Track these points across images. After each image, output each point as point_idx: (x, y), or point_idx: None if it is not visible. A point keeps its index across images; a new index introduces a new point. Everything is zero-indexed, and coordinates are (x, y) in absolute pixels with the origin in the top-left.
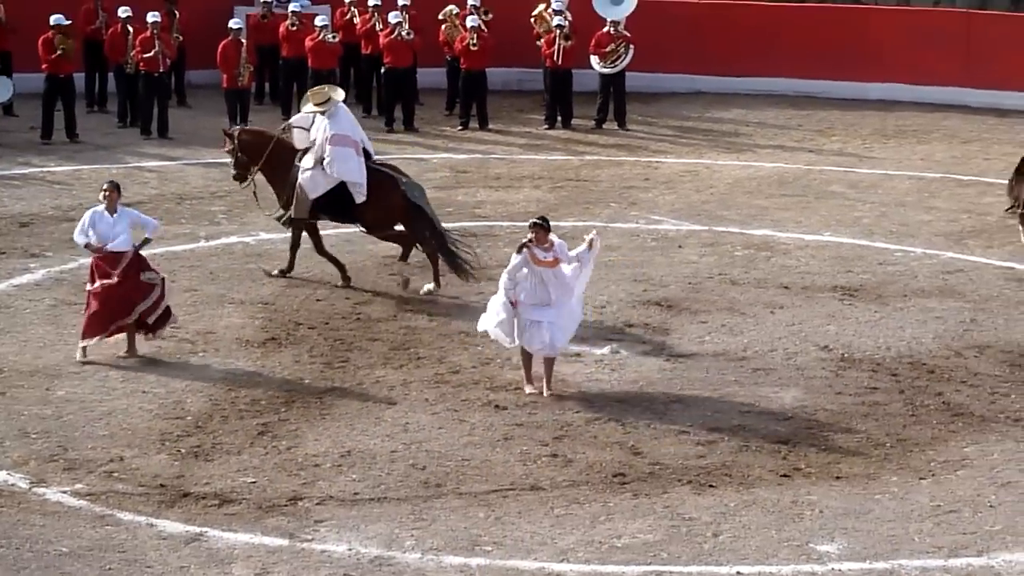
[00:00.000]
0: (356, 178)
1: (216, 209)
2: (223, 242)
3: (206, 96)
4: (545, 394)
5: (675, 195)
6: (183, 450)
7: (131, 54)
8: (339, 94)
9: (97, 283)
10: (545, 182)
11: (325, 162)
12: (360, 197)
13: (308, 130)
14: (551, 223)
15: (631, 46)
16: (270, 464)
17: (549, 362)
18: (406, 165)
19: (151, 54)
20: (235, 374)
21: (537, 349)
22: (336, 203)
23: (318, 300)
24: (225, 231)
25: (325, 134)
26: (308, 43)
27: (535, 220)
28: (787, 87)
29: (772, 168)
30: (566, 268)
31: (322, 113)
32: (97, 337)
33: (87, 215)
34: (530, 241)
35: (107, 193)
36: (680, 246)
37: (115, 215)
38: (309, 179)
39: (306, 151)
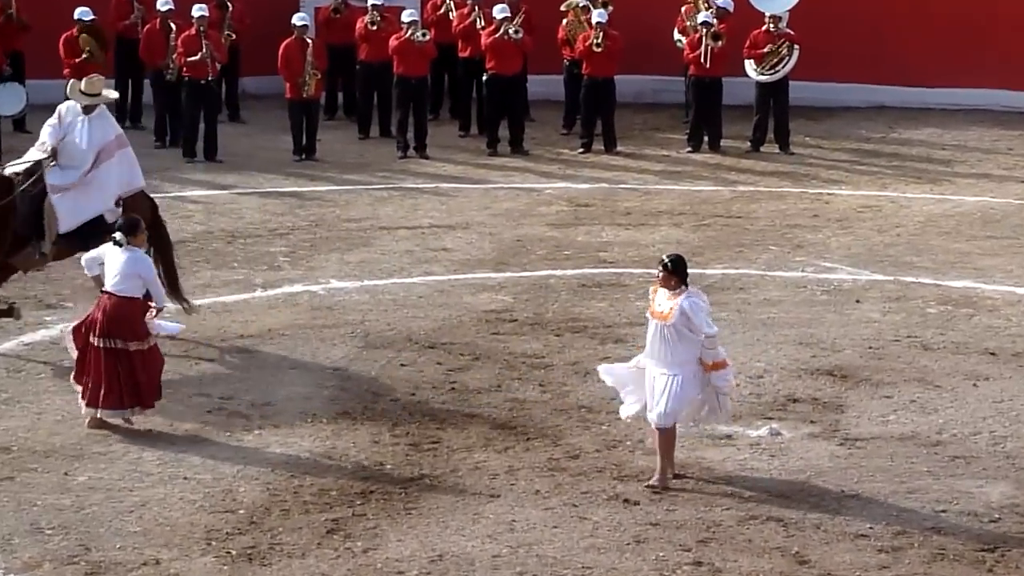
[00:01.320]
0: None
1: (277, 250)
2: (284, 291)
3: (265, 109)
4: (652, 482)
5: (851, 236)
6: (234, 551)
7: (172, 56)
8: (113, 94)
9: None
10: (687, 219)
11: (87, 179)
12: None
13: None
14: (691, 269)
15: (795, 47)
16: (342, 570)
17: (663, 440)
18: (513, 196)
19: (197, 57)
20: (299, 457)
21: (650, 417)
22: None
23: (402, 365)
24: (287, 278)
25: (92, 143)
26: (392, 43)
27: (663, 258)
28: (994, 100)
29: (975, 203)
30: (687, 326)
31: (86, 110)
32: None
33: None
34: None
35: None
36: (858, 300)
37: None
38: (66, 202)
39: (35, 168)
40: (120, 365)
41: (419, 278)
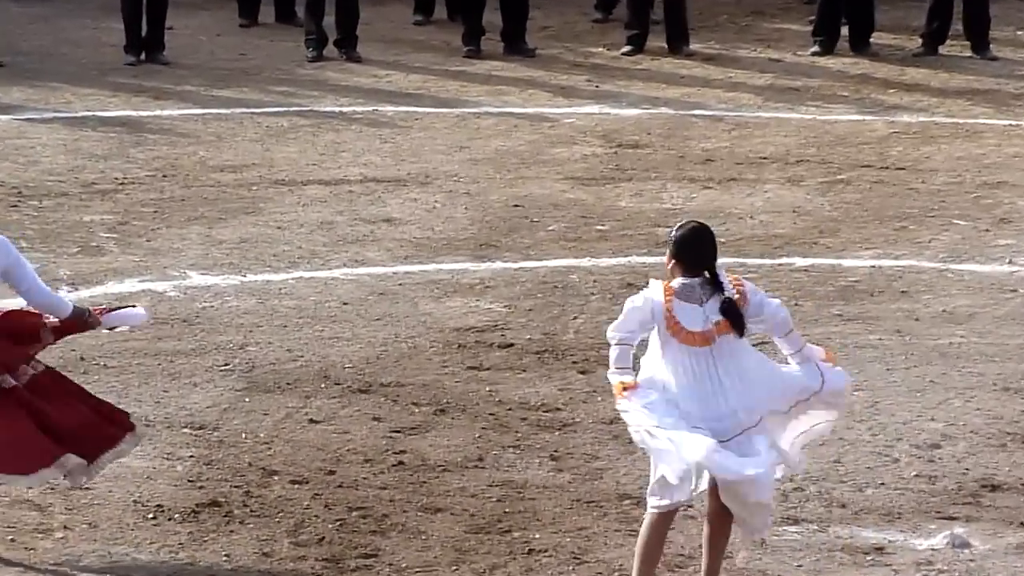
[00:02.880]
0: None
1: (95, 220)
2: (108, 290)
3: None
4: None
5: None
6: None
7: None
8: None
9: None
10: (811, 171)
11: None
12: None
13: None
14: (819, 259)
15: None
16: None
17: (724, 528)
18: (509, 128)
19: None
20: None
21: (725, 483)
22: None
23: (313, 421)
24: (114, 267)
25: None
26: None
27: (673, 231)
28: None
29: None
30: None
31: None
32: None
33: None
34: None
35: None
36: None
37: None
38: None
39: None
40: None
41: (343, 270)
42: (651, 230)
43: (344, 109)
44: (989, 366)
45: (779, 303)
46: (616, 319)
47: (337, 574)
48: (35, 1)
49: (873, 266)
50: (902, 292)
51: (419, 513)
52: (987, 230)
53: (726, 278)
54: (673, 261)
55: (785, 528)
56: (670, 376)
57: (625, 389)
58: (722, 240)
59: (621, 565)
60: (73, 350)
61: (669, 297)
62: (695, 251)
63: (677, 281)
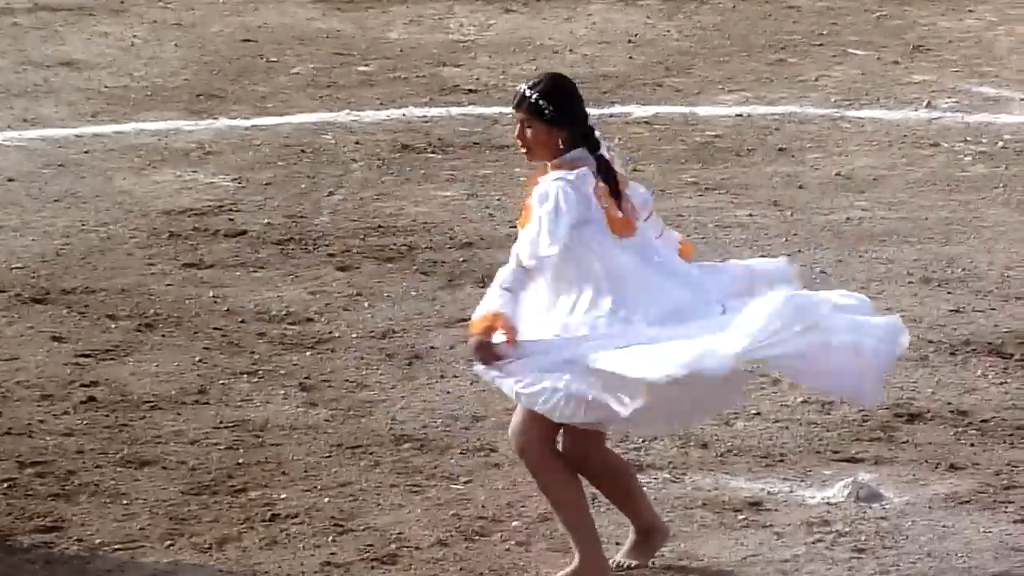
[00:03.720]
0: None
1: None
2: None
3: None
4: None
5: None
6: None
7: None
8: None
9: None
10: None
11: None
12: None
13: None
14: None
15: None
16: None
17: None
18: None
19: None
20: None
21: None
22: None
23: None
24: None
25: None
26: None
27: (525, 90)
28: None
29: None
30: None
31: None
32: None
33: None
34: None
35: None
36: None
37: None
38: None
39: None
40: None
41: (7, 133)
42: (434, 72)
43: None
44: (902, 250)
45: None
46: (532, 235)
47: (4, 555)
48: None
49: (740, 115)
50: (779, 150)
51: (118, 468)
52: (895, 62)
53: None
54: (553, 129)
55: None
56: (607, 293)
57: (502, 330)
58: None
59: (400, 533)
60: None
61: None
62: (579, 108)
63: (573, 154)
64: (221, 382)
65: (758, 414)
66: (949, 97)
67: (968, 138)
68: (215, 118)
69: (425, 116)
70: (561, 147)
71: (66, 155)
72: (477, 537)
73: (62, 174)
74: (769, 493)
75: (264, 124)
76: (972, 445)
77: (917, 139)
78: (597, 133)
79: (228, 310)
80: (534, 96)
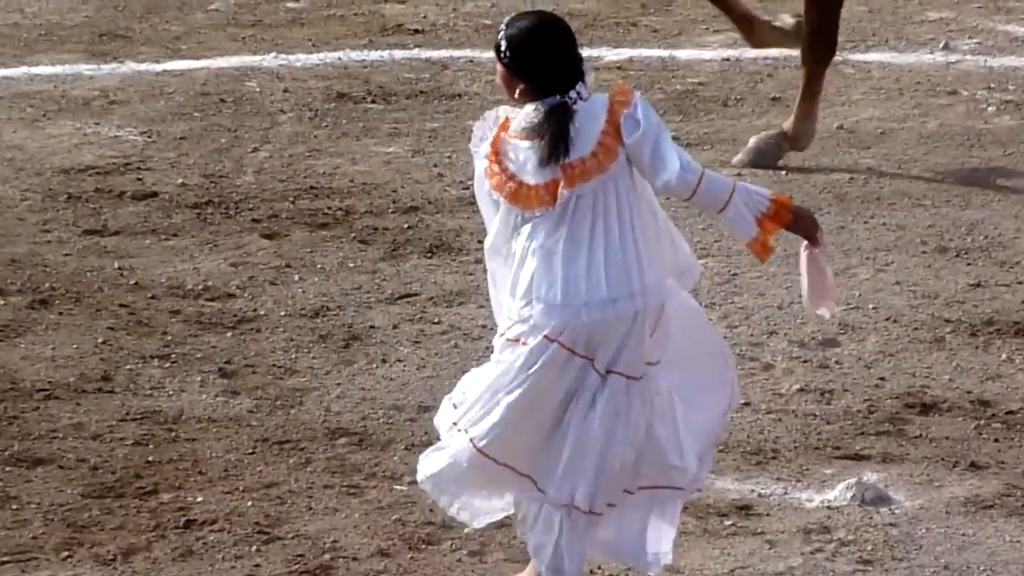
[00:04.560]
0: None
1: None
2: None
3: None
4: None
5: None
6: None
7: None
8: None
9: None
10: None
11: None
12: None
13: None
14: None
15: None
16: None
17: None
18: None
19: None
20: None
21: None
22: None
23: None
24: None
25: None
26: None
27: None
28: None
29: None
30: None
31: None
32: None
33: None
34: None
35: None
36: None
37: None
38: None
39: None
40: None
41: None
42: (374, 9)
43: None
44: (914, 214)
45: None
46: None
47: None
48: None
49: (727, 59)
50: (772, 100)
51: (7, 468)
52: None
53: None
54: (511, 77)
55: None
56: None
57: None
58: (474, 28)
59: (334, 541)
60: None
61: None
62: (547, 66)
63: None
64: (128, 367)
65: (747, 404)
66: (970, 37)
67: (991, 85)
68: (120, 62)
69: (364, 60)
70: (517, 97)
71: None
72: (424, 546)
73: None
74: (760, 495)
75: (177, 69)
76: (996, 440)
77: (932, 86)
78: (578, 105)
79: (136, 284)
80: (501, 33)
